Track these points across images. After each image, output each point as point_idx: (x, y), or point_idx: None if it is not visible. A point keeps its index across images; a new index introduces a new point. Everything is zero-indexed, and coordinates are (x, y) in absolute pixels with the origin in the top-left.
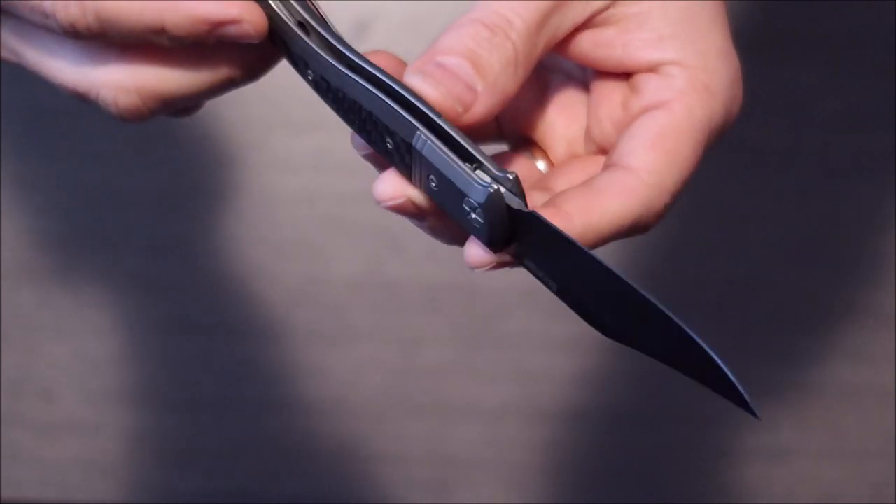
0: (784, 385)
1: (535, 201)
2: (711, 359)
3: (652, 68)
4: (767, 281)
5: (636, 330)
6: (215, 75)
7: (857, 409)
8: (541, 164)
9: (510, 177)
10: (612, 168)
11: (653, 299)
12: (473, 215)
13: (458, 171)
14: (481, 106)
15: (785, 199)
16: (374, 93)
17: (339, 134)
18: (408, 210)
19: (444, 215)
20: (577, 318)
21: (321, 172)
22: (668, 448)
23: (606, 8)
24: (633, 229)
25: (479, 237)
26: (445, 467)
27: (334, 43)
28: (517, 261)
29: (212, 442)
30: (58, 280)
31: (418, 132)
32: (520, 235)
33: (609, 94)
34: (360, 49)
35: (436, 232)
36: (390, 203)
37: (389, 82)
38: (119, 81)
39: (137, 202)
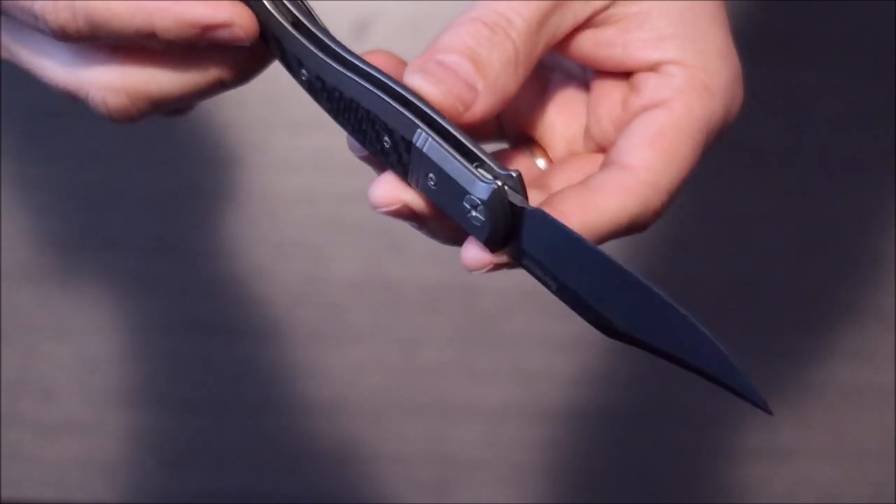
0: (784, 385)
1: (533, 199)
2: (720, 352)
3: (652, 67)
4: (767, 281)
5: (641, 326)
6: (205, 77)
7: (857, 409)
8: (541, 162)
9: (513, 174)
10: (610, 166)
11: (661, 292)
12: (474, 213)
13: (460, 168)
14: (482, 105)
15: (785, 199)
16: (373, 91)
17: (339, 134)
18: (403, 215)
19: (441, 217)
20: (578, 318)
21: (321, 172)
22: (668, 448)
23: (606, 7)
24: (630, 228)
25: (478, 236)
26: (445, 467)
27: (329, 43)
28: (514, 261)
29: (212, 442)
30: (58, 280)
31: (419, 129)
32: (519, 234)
33: (609, 93)
34: (360, 49)
35: (433, 234)
36: (386, 209)
37: (388, 81)
38: (108, 82)
39: (137, 202)
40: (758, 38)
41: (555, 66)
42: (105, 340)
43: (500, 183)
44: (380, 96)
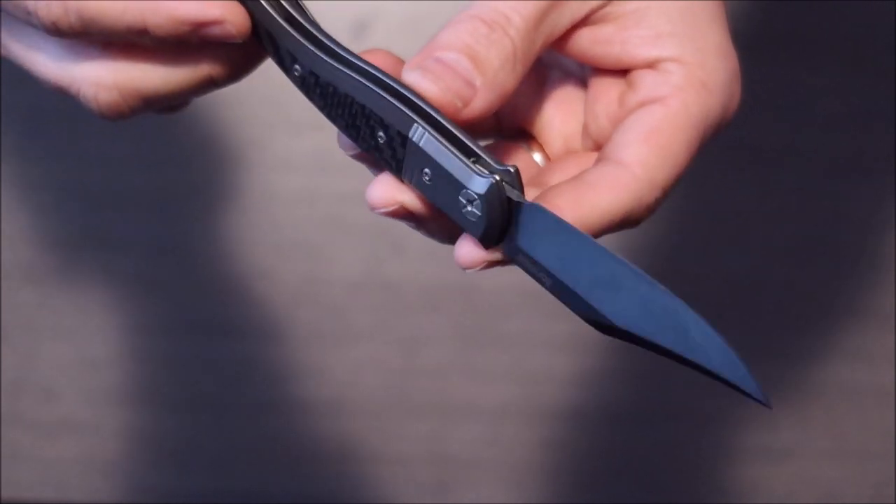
0: (784, 385)
1: (529, 196)
2: (721, 344)
3: (650, 65)
4: (767, 281)
5: (639, 321)
6: (197, 74)
7: (857, 409)
8: (537, 158)
9: (510, 169)
10: (604, 162)
11: (660, 286)
12: (469, 208)
13: (457, 162)
14: (480, 101)
15: (785, 199)
16: (368, 85)
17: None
18: (400, 215)
19: (438, 217)
20: (577, 318)
21: (321, 172)
22: (668, 448)
23: (604, 5)
24: (623, 223)
25: (473, 231)
26: (445, 467)
27: (323, 39)
28: (508, 258)
29: (212, 442)
30: (58, 280)
31: (416, 124)
32: (514, 230)
33: (606, 91)
34: (360, 49)
35: (430, 233)
36: (383, 210)
37: (384, 78)
38: (100, 78)
39: (137, 202)
40: (758, 38)
41: (553, 64)
42: (105, 340)
43: (497, 177)
44: (376, 91)
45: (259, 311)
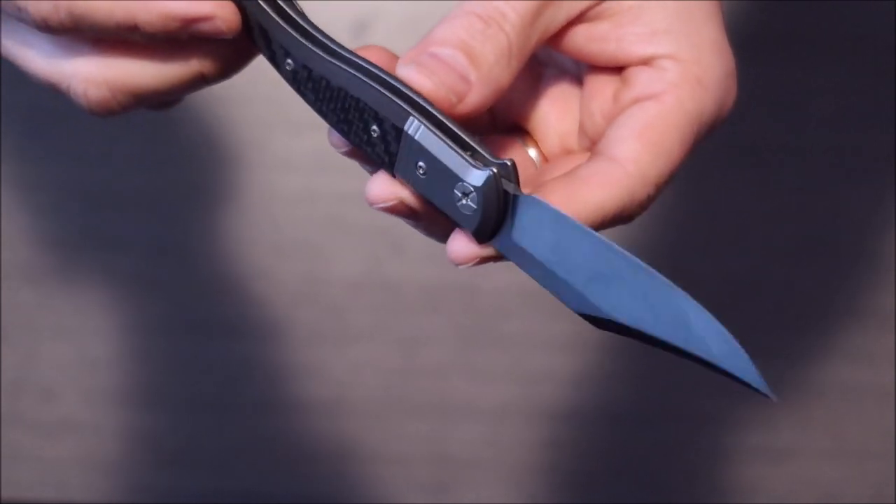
0: (784, 385)
1: None
2: (722, 334)
3: (645, 62)
4: (767, 281)
5: (638, 314)
6: (187, 71)
7: (857, 409)
8: (532, 152)
9: (507, 163)
10: (597, 157)
11: (660, 277)
12: (465, 201)
13: (454, 154)
14: (475, 97)
15: (785, 199)
16: (363, 79)
17: None
18: (399, 211)
19: (436, 213)
20: (578, 318)
21: (321, 172)
22: (668, 448)
23: (600, 2)
24: (616, 219)
25: (468, 225)
26: (445, 467)
27: (316, 34)
28: (502, 254)
29: (212, 442)
30: (58, 280)
31: (411, 117)
32: (509, 224)
33: (602, 88)
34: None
35: (428, 230)
36: (382, 205)
37: (378, 72)
38: (89, 73)
39: (137, 202)
40: (758, 38)
41: (549, 62)
42: (105, 340)
43: (494, 170)
44: (370, 84)
45: (259, 310)
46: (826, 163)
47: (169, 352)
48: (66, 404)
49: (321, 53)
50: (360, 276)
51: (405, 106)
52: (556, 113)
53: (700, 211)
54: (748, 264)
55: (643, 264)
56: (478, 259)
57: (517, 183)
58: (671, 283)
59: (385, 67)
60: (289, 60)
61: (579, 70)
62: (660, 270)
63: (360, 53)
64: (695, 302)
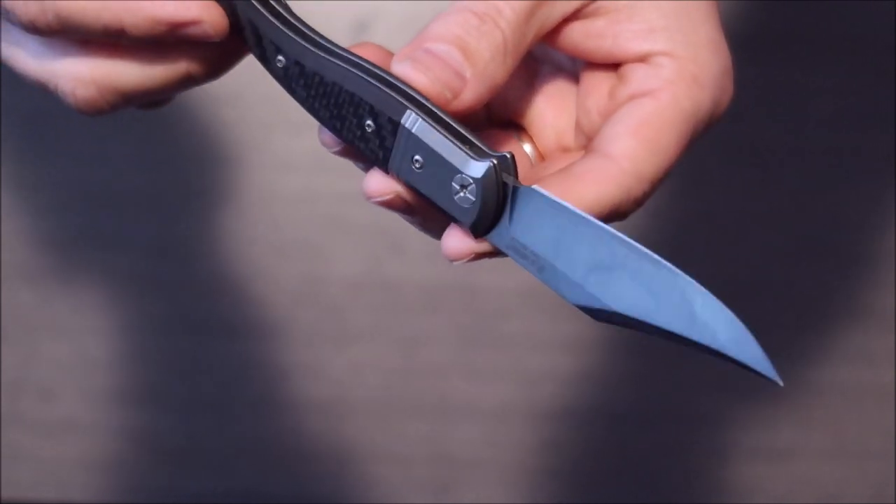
0: (784, 385)
1: None
2: (729, 320)
3: (641, 59)
4: (767, 281)
5: (638, 303)
6: (175, 71)
7: (857, 409)
8: (527, 147)
9: (507, 155)
10: (592, 154)
11: (665, 263)
12: (463, 194)
13: (452, 146)
14: (470, 93)
15: (785, 199)
16: (358, 74)
17: None
18: (397, 205)
19: (434, 208)
20: (577, 319)
21: (321, 172)
22: (668, 448)
23: None
24: (610, 216)
25: (465, 219)
26: (445, 467)
27: (308, 32)
28: (497, 249)
29: (212, 442)
30: (58, 280)
31: (409, 110)
32: (506, 218)
33: (598, 85)
34: None
35: (424, 226)
36: (380, 199)
37: (373, 68)
38: (78, 73)
39: (137, 202)
40: (757, 38)
41: (545, 59)
42: (105, 340)
43: (495, 161)
44: (365, 79)
45: (258, 310)
46: (826, 163)
47: (169, 352)
48: (65, 404)
49: (314, 49)
50: (360, 276)
51: (401, 99)
52: (552, 110)
53: (700, 211)
54: (748, 264)
55: (648, 251)
56: (473, 255)
57: (516, 175)
58: (677, 270)
59: (380, 64)
60: (280, 57)
61: (575, 67)
62: None
63: (355, 51)
64: (703, 289)
